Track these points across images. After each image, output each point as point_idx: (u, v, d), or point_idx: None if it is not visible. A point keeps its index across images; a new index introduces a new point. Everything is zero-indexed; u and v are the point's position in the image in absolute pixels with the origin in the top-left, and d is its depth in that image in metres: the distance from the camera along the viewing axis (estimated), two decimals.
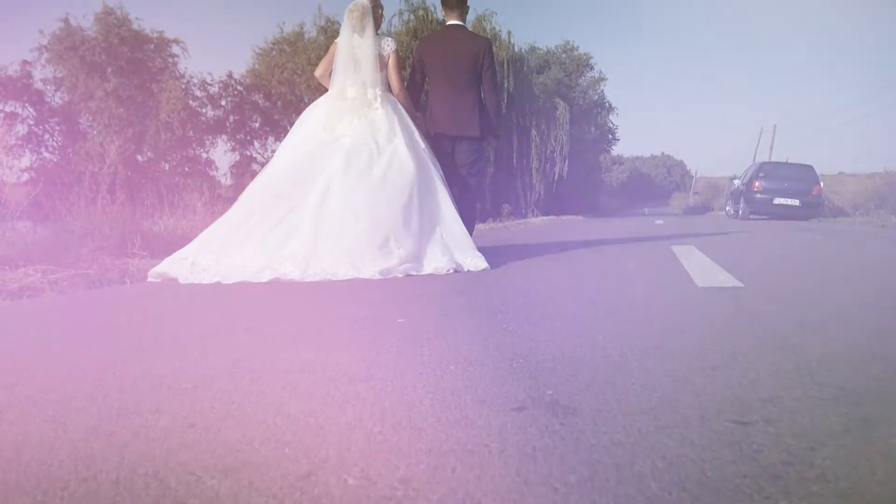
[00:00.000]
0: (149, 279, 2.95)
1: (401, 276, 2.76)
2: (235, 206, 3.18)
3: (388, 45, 3.40)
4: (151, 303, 2.26)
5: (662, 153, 47.54)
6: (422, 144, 3.38)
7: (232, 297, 2.34)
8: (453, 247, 3.12)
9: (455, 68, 3.60)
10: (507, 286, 2.44)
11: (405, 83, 3.58)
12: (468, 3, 3.75)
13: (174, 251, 5.15)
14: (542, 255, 3.93)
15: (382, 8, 3.47)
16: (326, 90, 3.51)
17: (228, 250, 2.86)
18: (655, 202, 38.64)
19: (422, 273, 2.86)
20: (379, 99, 3.32)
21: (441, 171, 3.39)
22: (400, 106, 3.41)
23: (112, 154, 10.11)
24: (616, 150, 28.49)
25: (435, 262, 2.94)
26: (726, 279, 2.56)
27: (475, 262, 3.02)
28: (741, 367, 1.17)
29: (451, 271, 2.93)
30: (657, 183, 44.70)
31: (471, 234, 3.43)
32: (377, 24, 3.41)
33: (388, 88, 3.42)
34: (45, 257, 4.16)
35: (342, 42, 3.39)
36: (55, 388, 1.11)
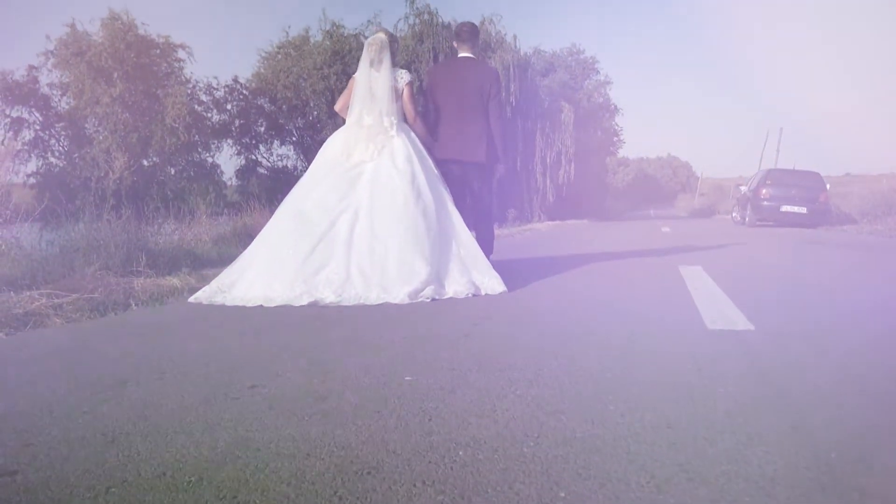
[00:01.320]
0: (189, 301, 3.19)
1: (427, 300, 3.00)
2: (267, 233, 3.39)
3: (403, 78, 3.61)
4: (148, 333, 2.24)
5: (669, 154, 47.40)
6: (434, 170, 3.59)
7: (227, 337, 2.32)
8: (470, 265, 3.36)
9: (463, 97, 3.80)
10: (515, 329, 2.41)
11: (419, 111, 3.78)
12: (479, 37, 3.96)
13: (179, 268, 5.17)
14: (551, 276, 4.11)
15: (399, 42, 3.73)
16: (342, 119, 3.70)
17: (268, 278, 3.08)
18: (661, 204, 38.50)
19: (444, 297, 3.10)
20: (395, 126, 3.52)
21: (451, 195, 3.59)
22: (413, 134, 3.61)
23: (119, 162, 10.15)
24: (621, 151, 28.41)
25: (455, 285, 3.18)
26: (736, 317, 2.53)
27: (493, 284, 3.27)
28: (758, 459, 1.14)
29: (471, 295, 3.14)
30: (663, 184, 44.55)
31: (490, 254, 3.76)
32: (393, 58, 3.61)
33: (404, 118, 3.62)
34: (50, 277, 4.17)
35: (360, 75, 3.60)
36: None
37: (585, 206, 19.94)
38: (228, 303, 3.03)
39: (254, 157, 13.25)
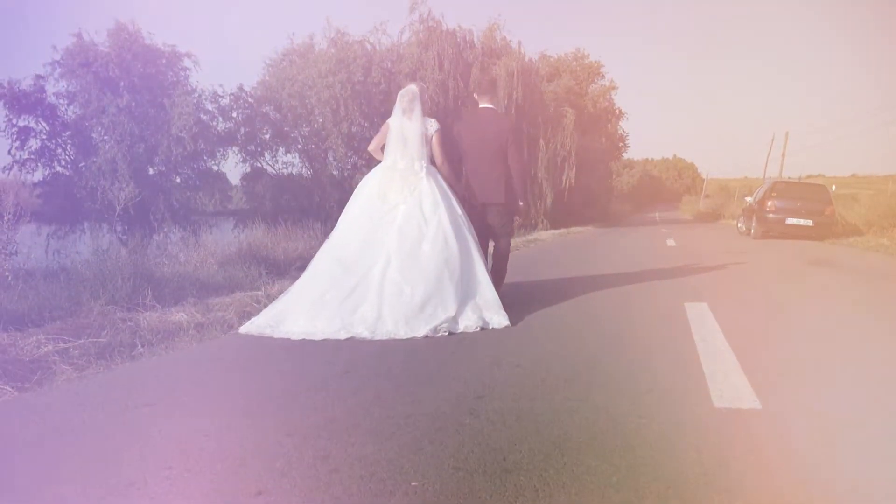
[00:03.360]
0: (240, 332, 3.65)
1: (445, 334, 3.52)
2: (312, 275, 3.82)
3: (432, 126, 4.05)
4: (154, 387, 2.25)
5: (674, 155, 47.12)
6: (459, 211, 4.00)
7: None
8: (483, 305, 3.82)
9: (485, 145, 4.28)
10: (516, 398, 2.41)
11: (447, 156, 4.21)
12: (497, 89, 4.60)
13: (185, 297, 5.18)
14: (551, 306, 4.52)
15: (428, 93, 4.21)
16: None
17: (312, 316, 3.54)
18: (666, 205, 38.34)
19: (457, 331, 3.59)
20: (424, 170, 3.96)
21: (474, 233, 4.02)
22: (440, 177, 4.04)
23: (124, 170, 10.16)
24: (626, 154, 28.30)
25: (466, 321, 3.65)
26: (742, 388, 2.52)
27: (499, 320, 3.76)
28: None
29: (479, 329, 3.64)
30: (668, 186, 44.35)
31: (503, 281, 4.40)
32: (423, 107, 4.04)
33: (432, 161, 4.07)
34: (57, 313, 4.19)
35: (394, 122, 4.03)
36: None
37: (590, 210, 19.90)
38: (276, 335, 3.49)
39: (259, 165, 13.25)
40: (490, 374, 2.77)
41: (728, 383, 2.60)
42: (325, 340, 3.41)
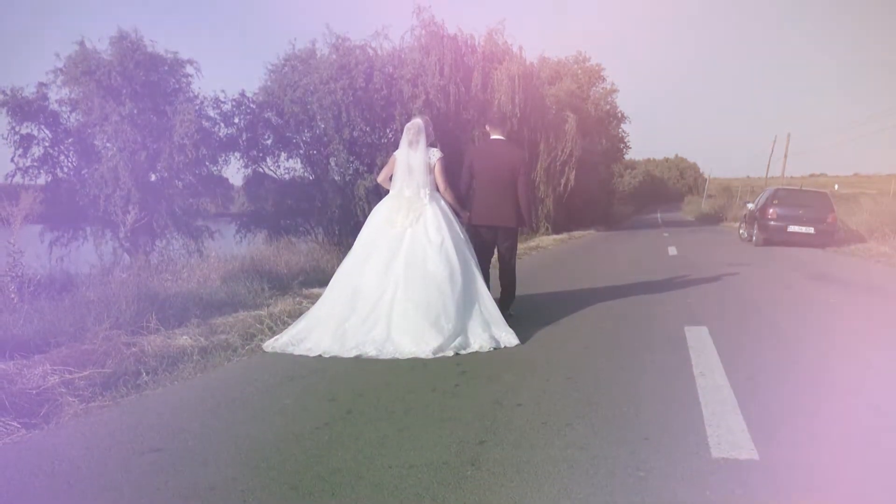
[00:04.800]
0: (265, 349, 4.02)
1: (451, 353, 3.80)
2: (330, 299, 4.19)
3: (435, 155, 4.41)
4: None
5: (676, 155, 47.05)
6: (461, 235, 4.35)
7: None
8: (490, 321, 4.15)
9: (497, 173, 4.69)
10: (516, 444, 2.44)
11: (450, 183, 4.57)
12: (507, 122, 5.23)
13: (189, 318, 5.23)
14: (551, 326, 4.77)
15: (432, 125, 4.55)
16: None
17: (331, 336, 3.93)
18: (668, 206, 38.31)
19: (468, 350, 3.88)
20: (428, 197, 4.33)
21: (474, 255, 4.37)
22: (444, 202, 4.40)
23: (126, 178, 10.19)
24: (628, 154, 28.28)
25: (479, 340, 3.97)
26: (741, 435, 2.54)
27: (508, 338, 4.09)
28: None
29: (492, 349, 3.95)
30: (670, 186, 44.31)
31: (512, 299, 4.87)
32: (428, 139, 4.41)
33: (436, 188, 4.42)
34: (62, 338, 4.22)
35: (400, 154, 4.41)
36: None
37: (591, 213, 19.92)
38: (297, 352, 3.89)
39: (261, 170, 13.27)
40: (492, 416, 2.80)
41: (726, 428, 2.63)
42: (328, 370, 3.55)
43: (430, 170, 4.35)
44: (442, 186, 4.41)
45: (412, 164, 4.32)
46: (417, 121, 4.47)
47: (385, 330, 3.89)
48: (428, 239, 4.16)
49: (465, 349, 3.87)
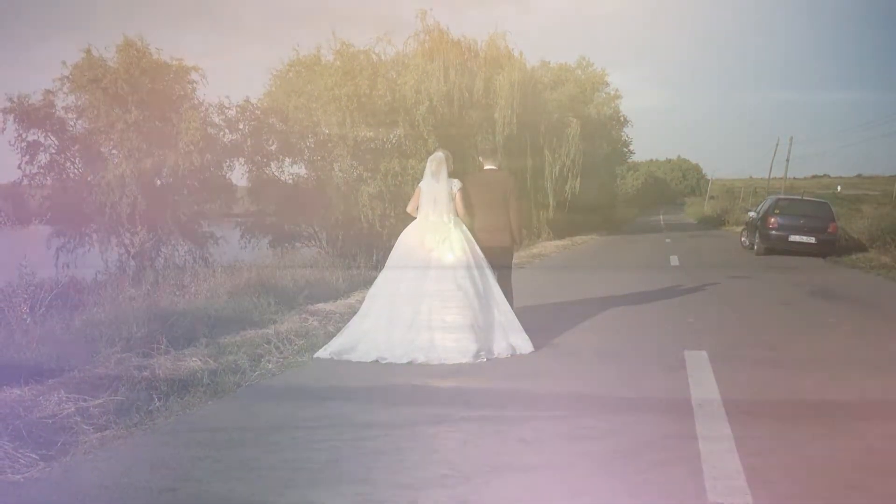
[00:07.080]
0: (316, 356, 4.57)
1: (484, 360, 4.46)
2: (375, 312, 4.76)
3: (455, 185, 4.95)
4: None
5: (679, 156, 47.03)
6: (480, 254, 4.88)
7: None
8: (507, 328, 4.72)
9: (491, 198, 5.17)
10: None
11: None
12: (497, 153, 5.82)
13: (197, 340, 5.31)
14: (552, 344, 4.68)
15: (452, 159, 5.05)
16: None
17: (381, 345, 4.52)
18: (671, 207, 38.34)
19: (492, 357, 4.52)
20: (452, 222, 4.87)
21: (490, 268, 4.88)
22: (464, 226, 4.92)
23: (132, 185, 10.27)
24: (630, 157, 28.29)
25: (498, 349, 4.60)
26: (737, 479, 2.55)
27: (524, 346, 4.67)
28: None
29: (510, 355, 4.58)
30: (672, 187, 44.32)
31: (511, 307, 5.04)
32: (448, 170, 4.93)
33: (456, 213, 4.94)
34: (74, 362, 4.30)
35: (425, 185, 4.97)
36: None
37: (593, 217, 19.98)
38: (354, 359, 4.46)
39: (265, 175, 13.32)
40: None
41: (723, 470, 2.69)
42: (336, 398, 3.61)
43: (452, 198, 4.89)
44: (461, 212, 4.93)
45: (436, 193, 4.87)
46: (440, 154, 5.02)
47: (428, 339, 4.46)
48: (455, 257, 4.73)
49: (489, 357, 4.50)
